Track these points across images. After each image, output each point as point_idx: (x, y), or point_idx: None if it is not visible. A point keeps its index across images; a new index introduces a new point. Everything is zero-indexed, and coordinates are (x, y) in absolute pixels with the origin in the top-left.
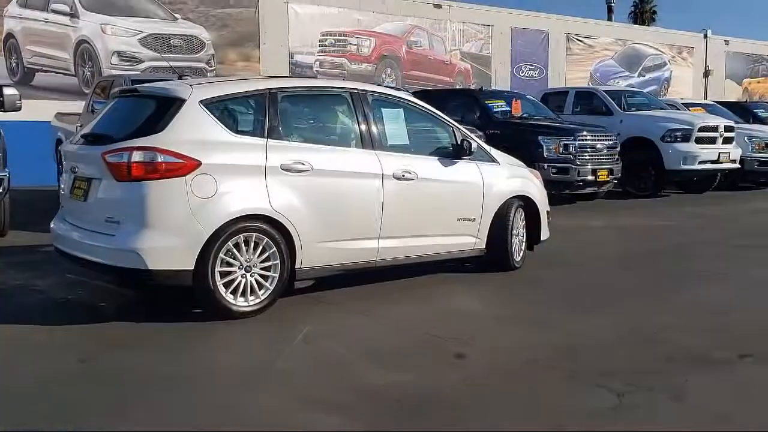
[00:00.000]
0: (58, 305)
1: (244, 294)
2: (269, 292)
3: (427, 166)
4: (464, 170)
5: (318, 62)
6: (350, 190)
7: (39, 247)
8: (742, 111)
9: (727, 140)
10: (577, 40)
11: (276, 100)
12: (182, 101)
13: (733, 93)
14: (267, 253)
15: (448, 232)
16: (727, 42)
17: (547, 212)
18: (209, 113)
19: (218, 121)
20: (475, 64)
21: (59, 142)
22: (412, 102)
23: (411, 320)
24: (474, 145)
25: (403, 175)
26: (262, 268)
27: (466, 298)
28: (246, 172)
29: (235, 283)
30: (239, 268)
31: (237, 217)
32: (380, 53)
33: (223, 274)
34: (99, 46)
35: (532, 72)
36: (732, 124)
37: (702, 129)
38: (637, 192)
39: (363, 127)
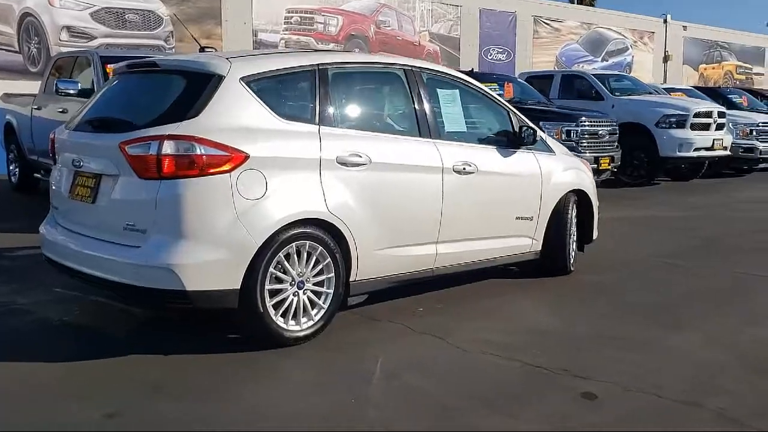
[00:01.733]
0: (54, 330)
1: (295, 315)
2: (323, 311)
3: (487, 157)
4: (522, 162)
5: (283, 41)
6: (410, 187)
7: (4, 252)
8: (716, 96)
9: (719, 126)
10: (544, 23)
11: (326, 77)
12: (220, 78)
13: (691, 79)
14: (321, 265)
15: (505, 234)
16: (685, 27)
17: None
18: (253, 93)
19: (263, 103)
20: (443, 46)
21: (9, 126)
22: (468, 82)
23: (497, 344)
24: (536, 133)
25: (464, 168)
26: (314, 284)
27: (539, 313)
28: (299, 166)
29: (287, 302)
30: (291, 284)
31: (290, 222)
32: (348, 33)
33: (272, 293)
34: (46, 20)
35: (500, 55)
36: (723, 109)
37: (697, 115)
38: (631, 180)
39: (419, 111)
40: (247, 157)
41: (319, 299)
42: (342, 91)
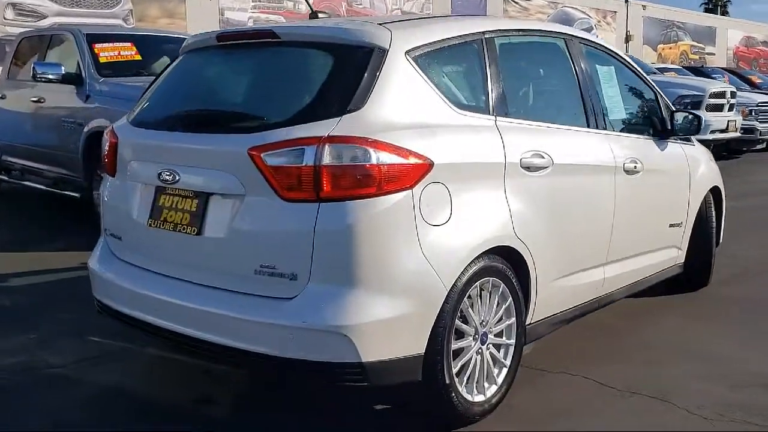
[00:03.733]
0: (135, 412)
1: (478, 380)
2: (506, 371)
3: (647, 151)
4: (674, 156)
5: (252, 20)
6: (587, 194)
7: None
8: (699, 75)
9: (731, 107)
10: (513, 1)
11: (494, 50)
12: (382, 52)
13: (650, 59)
14: (502, 309)
15: (658, 246)
16: (644, 7)
17: None
18: (422, 73)
19: (435, 87)
20: None
21: None
22: (618, 55)
23: (740, 406)
24: (700, 121)
25: (634, 167)
26: (495, 334)
27: (734, 345)
28: (482, 174)
29: (470, 364)
30: (474, 338)
31: (479, 254)
32: (319, 10)
33: (455, 353)
34: None
35: None
36: (734, 89)
37: (713, 95)
38: None
39: (585, 93)
40: (431, 165)
41: (499, 353)
42: (511, 69)
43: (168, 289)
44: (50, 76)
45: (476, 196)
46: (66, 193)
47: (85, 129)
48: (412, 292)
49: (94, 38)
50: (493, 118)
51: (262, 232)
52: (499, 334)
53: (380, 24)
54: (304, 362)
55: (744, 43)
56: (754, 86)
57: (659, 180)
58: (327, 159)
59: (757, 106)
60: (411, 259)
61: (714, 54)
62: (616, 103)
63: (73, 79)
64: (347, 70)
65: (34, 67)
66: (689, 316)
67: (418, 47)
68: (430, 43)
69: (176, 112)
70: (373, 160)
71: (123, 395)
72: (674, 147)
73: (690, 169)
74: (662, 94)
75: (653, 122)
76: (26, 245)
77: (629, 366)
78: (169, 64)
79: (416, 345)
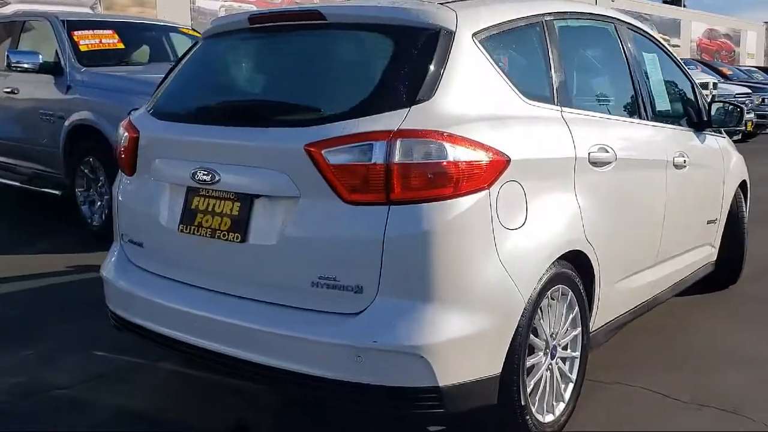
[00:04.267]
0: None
1: (548, 400)
2: (572, 386)
3: (691, 144)
4: (712, 148)
5: (224, 9)
6: (644, 190)
7: None
8: None
9: (713, 99)
10: None
11: (555, 35)
12: (449, 34)
13: None
14: (569, 318)
15: (696, 244)
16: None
17: None
18: (490, 59)
19: (504, 75)
20: None
21: None
22: (660, 42)
23: None
24: (742, 112)
25: (683, 161)
26: (563, 347)
27: (763, 348)
28: (554, 172)
29: (542, 382)
30: (544, 352)
31: (554, 260)
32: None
33: (527, 371)
34: None
35: None
36: (717, 80)
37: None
38: None
39: (636, 82)
40: (507, 162)
41: (566, 367)
42: (570, 56)
43: (204, 303)
44: (26, 66)
45: (550, 196)
46: (45, 190)
47: (66, 122)
48: (489, 304)
49: (73, 25)
50: (559, 108)
51: (321, 239)
52: (566, 347)
53: (442, 3)
54: (373, 387)
55: (707, 35)
56: (725, 77)
57: (701, 174)
58: (399, 156)
59: (735, 97)
60: (489, 268)
61: (679, 46)
62: (661, 93)
63: (51, 69)
64: (412, 55)
65: (8, 56)
66: (725, 317)
67: (485, 29)
68: (496, 25)
69: (212, 103)
70: (450, 157)
71: (144, 419)
72: (711, 139)
73: (724, 162)
74: (697, 84)
75: (690, 113)
76: (4, 248)
77: (685, 374)
78: (189, 50)
79: (493, 364)
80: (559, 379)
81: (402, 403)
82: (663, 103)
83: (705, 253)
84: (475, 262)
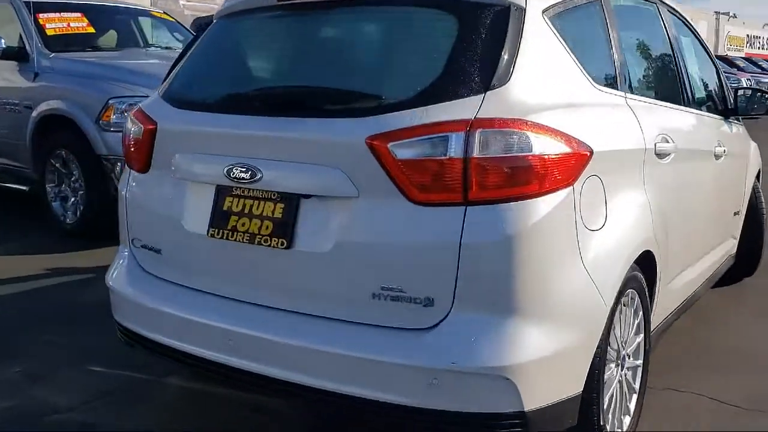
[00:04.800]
0: None
1: (617, 415)
2: (636, 396)
3: (726, 133)
4: (739, 137)
5: None
6: (695, 183)
7: None
8: None
9: None
10: None
11: (612, 14)
12: (520, 11)
13: None
14: (634, 324)
15: (725, 236)
16: None
17: None
18: (560, 38)
19: (576, 59)
20: None
21: None
22: (692, 25)
23: None
24: (757, 97)
25: (723, 151)
26: (630, 355)
27: None
28: (626, 165)
29: (613, 398)
30: (616, 363)
31: (632, 263)
32: None
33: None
34: None
35: None
36: None
37: None
38: None
39: (679, 67)
40: (591, 154)
41: (630, 376)
42: (626, 37)
43: (241, 317)
44: None
45: (624, 192)
46: (10, 186)
47: (34, 113)
48: (575, 316)
49: (38, 7)
50: (624, 95)
51: (384, 244)
52: (630, 355)
53: None
54: (456, 414)
55: None
56: None
57: (733, 164)
58: (479, 149)
59: None
60: (574, 275)
61: None
62: (696, 80)
63: (15, 55)
64: (481, 33)
65: None
66: (752, 313)
67: (554, 5)
68: (563, 1)
69: (245, 90)
70: (536, 150)
71: None
72: (736, 127)
73: (750, 151)
74: (722, 71)
75: (716, 100)
76: None
77: (734, 377)
78: (201, 32)
79: (576, 383)
80: (627, 390)
81: (479, 430)
82: (699, 90)
83: (729, 246)
84: (560, 270)
